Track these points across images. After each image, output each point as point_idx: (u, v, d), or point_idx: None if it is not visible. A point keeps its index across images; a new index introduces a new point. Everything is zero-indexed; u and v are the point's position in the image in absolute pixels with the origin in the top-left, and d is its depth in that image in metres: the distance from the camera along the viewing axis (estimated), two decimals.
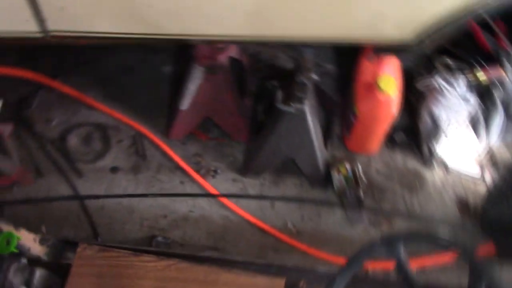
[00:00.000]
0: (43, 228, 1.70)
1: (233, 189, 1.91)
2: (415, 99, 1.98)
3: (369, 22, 1.18)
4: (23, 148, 1.95)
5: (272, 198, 1.85)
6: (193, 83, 1.83)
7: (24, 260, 1.30)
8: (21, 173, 1.84)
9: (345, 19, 1.17)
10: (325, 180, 1.90)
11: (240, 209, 1.84)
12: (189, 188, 1.90)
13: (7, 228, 1.22)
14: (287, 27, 1.20)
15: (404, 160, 2.01)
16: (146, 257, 1.38)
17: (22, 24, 1.31)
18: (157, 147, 2.01)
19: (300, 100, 1.62)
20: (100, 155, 1.98)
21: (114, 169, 1.94)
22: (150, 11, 1.20)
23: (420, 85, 1.89)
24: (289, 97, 1.64)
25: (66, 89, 2.09)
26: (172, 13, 1.21)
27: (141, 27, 1.28)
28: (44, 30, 1.32)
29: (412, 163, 2.00)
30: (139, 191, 1.87)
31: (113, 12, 1.23)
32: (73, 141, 2.02)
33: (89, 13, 1.24)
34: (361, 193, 1.85)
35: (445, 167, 1.96)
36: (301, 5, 1.14)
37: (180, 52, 2.13)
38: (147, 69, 2.21)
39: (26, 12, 1.25)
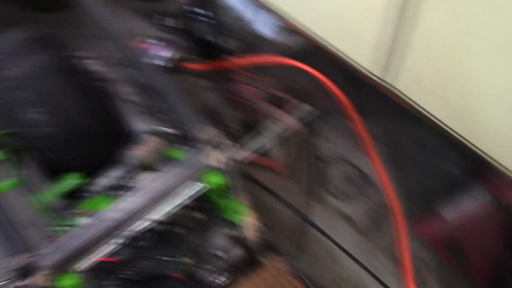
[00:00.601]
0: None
1: None
2: None
3: None
4: (294, 147, 2.09)
5: None
6: (471, 202, 1.70)
7: (233, 232, 1.41)
8: (281, 165, 2.00)
9: None
10: None
11: None
12: (395, 285, 1.79)
13: (246, 202, 1.33)
14: None
15: None
16: None
17: (363, 56, 1.39)
18: (397, 228, 1.93)
19: None
20: (344, 198, 2.01)
21: (346, 217, 1.95)
22: (478, 124, 1.15)
23: None
24: None
25: (360, 126, 2.15)
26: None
27: (457, 126, 1.24)
28: (378, 76, 1.37)
29: None
30: (354, 251, 1.83)
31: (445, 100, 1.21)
32: (333, 170, 2.09)
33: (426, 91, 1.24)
34: None
35: None
36: None
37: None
38: (440, 154, 2.12)
39: (378, 54, 1.31)
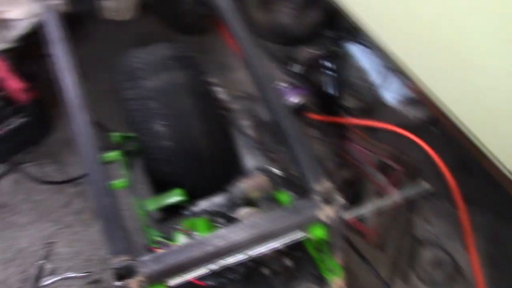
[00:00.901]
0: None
1: None
2: None
3: None
4: (391, 218, 2.02)
5: None
6: None
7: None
8: (374, 233, 1.94)
9: None
10: None
11: None
12: None
13: (341, 262, 1.30)
14: None
15: None
16: None
17: (504, 152, 1.33)
18: None
19: None
20: (431, 284, 1.90)
21: None
22: None
23: None
24: None
25: (464, 214, 2.04)
26: None
27: None
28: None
29: None
30: None
31: None
32: (426, 253, 1.99)
33: None
34: None
35: None
36: None
37: None
38: None
39: None
